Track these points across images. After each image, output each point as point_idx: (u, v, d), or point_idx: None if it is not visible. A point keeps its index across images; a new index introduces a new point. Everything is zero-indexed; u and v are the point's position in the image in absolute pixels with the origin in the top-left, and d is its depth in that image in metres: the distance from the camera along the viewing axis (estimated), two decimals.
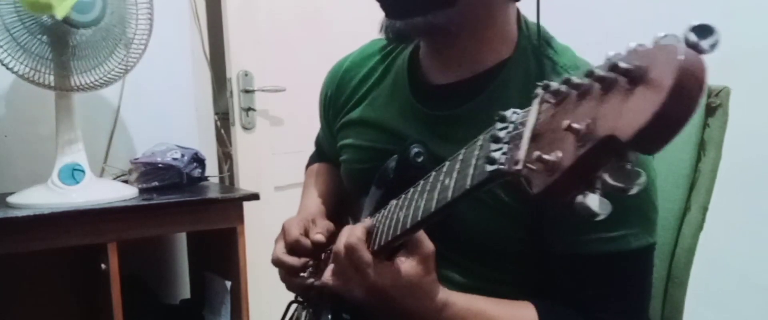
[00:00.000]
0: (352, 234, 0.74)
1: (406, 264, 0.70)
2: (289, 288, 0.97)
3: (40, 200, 1.48)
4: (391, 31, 0.83)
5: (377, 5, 0.84)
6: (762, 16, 1.71)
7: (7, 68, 1.45)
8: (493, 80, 0.85)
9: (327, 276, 0.78)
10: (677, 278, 0.96)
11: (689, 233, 0.95)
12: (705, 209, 0.95)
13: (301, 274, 0.92)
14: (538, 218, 0.79)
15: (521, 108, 0.82)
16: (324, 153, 1.16)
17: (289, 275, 0.94)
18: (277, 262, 0.94)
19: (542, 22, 0.89)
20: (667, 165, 0.94)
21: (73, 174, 1.53)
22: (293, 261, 0.92)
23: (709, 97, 0.96)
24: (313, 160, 1.21)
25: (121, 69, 1.54)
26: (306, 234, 0.93)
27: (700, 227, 0.96)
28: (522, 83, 0.83)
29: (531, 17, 0.89)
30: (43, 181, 1.54)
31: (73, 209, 1.45)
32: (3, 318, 1.77)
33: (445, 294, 0.75)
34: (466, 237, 0.84)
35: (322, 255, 0.93)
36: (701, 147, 0.96)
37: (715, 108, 0.95)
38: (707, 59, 0.37)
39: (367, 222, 0.76)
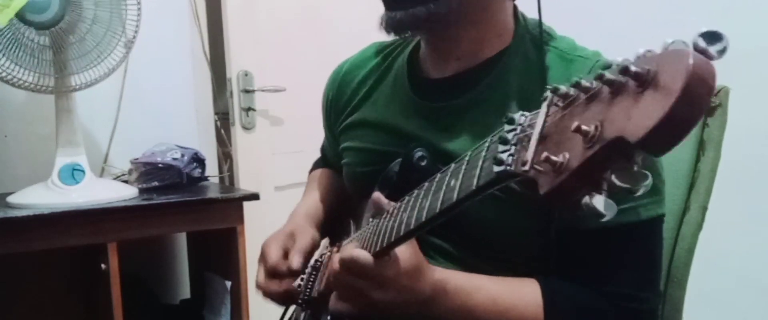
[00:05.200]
0: (342, 252, 0.73)
1: (402, 250, 0.70)
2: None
3: (40, 200, 1.48)
4: (391, 23, 0.83)
5: (377, 5, 0.84)
6: (762, 16, 1.71)
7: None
8: (492, 69, 0.86)
9: (334, 304, 0.77)
10: (677, 278, 0.96)
11: (689, 233, 0.96)
12: (704, 209, 0.95)
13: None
14: None
15: (521, 94, 0.84)
16: (328, 160, 1.16)
17: (275, 300, 0.95)
18: (260, 288, 0.95)
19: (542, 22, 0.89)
20: (667, 165, 0.93)
21: (73, 174, 1.53)
22: (275, 288, 0.92)
23: None
24: (316, 166, 1.21)
25: (113, 66, 1.53)
26: (286, 254, 0.93)
27: (700, 227, 0.96)
28: (521, 70, 0.84)
29: (528, 14, 0.90)
30: (43, 181, 1.54)
31: (73, 209, 1.45)
32: (3, 318, 1.77)
33: (439, 269, 0.75)
34: (483, 237, 0.84)
35: (306, 272, 0.94)
36: (700, 147, 0.96)
37: (715, 107, 0.95)
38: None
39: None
